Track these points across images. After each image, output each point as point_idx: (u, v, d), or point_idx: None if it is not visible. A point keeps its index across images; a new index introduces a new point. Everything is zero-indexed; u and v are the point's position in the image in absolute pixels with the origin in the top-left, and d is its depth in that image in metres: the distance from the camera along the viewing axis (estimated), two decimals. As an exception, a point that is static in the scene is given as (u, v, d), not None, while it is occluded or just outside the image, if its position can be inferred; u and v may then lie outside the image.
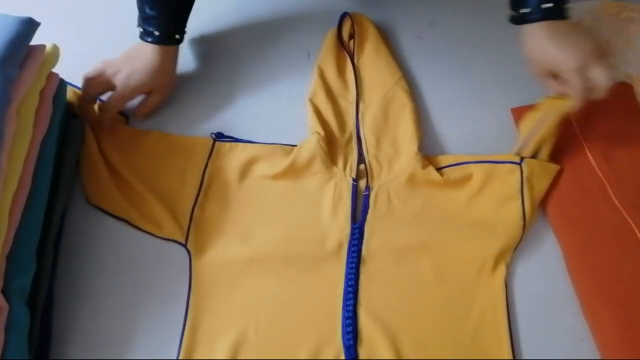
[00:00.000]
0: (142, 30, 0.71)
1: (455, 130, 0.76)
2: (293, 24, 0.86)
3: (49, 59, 0.65)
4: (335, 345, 0.59)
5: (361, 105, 0.75)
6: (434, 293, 0.62)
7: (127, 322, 0.61)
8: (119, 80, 0.71)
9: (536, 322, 0.62)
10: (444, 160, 0.71)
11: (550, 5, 0.60)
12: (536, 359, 0.59)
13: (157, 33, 0.70)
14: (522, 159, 0.68)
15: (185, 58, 0.82)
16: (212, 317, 0.61)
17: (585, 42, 0.61)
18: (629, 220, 0.65)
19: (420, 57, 0.83)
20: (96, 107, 0.73)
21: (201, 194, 0.68)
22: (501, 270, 0.64)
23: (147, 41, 0.71)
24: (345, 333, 0.59)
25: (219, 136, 0.73)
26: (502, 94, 0.78)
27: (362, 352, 0.59)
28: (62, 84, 0.70)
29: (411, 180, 0.68)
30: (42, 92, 0.64)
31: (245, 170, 0.70)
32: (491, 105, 0.77)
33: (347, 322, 0.60)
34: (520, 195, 0.66)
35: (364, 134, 0.72)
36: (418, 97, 0.78)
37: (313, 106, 0.73)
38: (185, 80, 0.80)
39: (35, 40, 0.63)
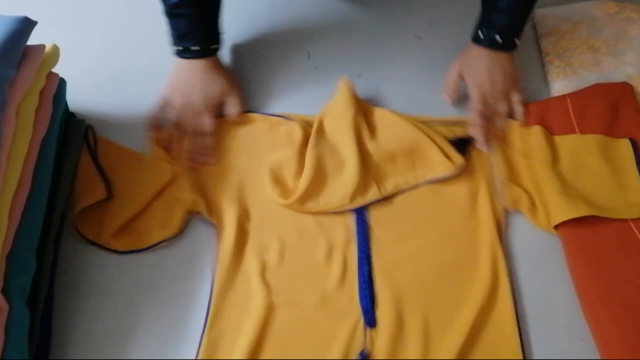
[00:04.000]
0: (180, 48, 0.71)
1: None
2: (293, 24, 0.86)
3: (48, 59, 0.65)
4: (354, 310, 0.62)
5: None
6: (439, 251, 0.66)
7: (127, 322, 0.61)
8: (182, 106, 0.71)
9: (536, 321, 0.62)
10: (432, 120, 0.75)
11: (500, 40, 0.70)
12: (536, 359, 0.60)
13: (195, 48, 0.70)
14: None
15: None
16: (238, 280, 0.63)
17: (501, 78, 0.72)
18: (629, 220, 0.65)
19: (420, 57, 0.83)
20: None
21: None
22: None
23: (187, 57, 0.71)
24: (362, 297, 0.62)
25: None
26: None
27: (380, 314, 0.61)
28: (62, 84, 0.70)
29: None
30: (42, 92, 0.64)
31: (241, 143, 0.73)
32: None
33: (364, 286, 0.63)
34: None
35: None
36: (418, 97, 0.78)
37: None
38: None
39: (35, 40, 0.63)
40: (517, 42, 0.72)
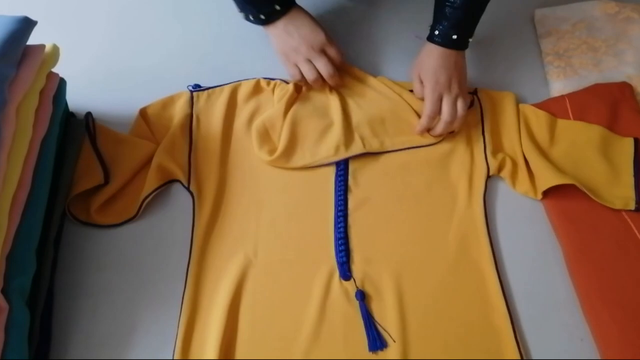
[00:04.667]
0: (264, 17, 0.72)
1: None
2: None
3: (48, 59, 0.65)
4: (330, 263, 0.64)
5: None
6: (415, 209, 0.68)
7: (126, 322, 0.61)
8: (307, 51, 0.72)
9: (536, 322, 0.62)
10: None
11: (454, 37, 0.69)
12: (536, 359, 0.60)
13: (278, 7, 0.71)
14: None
15: (183, 62, 0.82)
16: (216, 244, 0.66)
17: (452, 77, 0.70)
18: (628, 220, 0.66)
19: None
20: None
21: (194, 141, 0.72)
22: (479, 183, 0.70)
23: (275, 19, 0.72)
24: (338, 252, 0.65)
25: (196, 87, 0.77)
26: (502, 94, 0.78)
27: (355, 269, 0.64)
28: (62, 84, 0.70)
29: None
30: (42, 92, 0.64)
31: (229, 113, 0.75)
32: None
33: (340, 242, 0.65)
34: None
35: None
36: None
37: None
38: (182, 82, 0.80)
39: (35, 40, 0.63)
40: (469, 41, 0.71)
